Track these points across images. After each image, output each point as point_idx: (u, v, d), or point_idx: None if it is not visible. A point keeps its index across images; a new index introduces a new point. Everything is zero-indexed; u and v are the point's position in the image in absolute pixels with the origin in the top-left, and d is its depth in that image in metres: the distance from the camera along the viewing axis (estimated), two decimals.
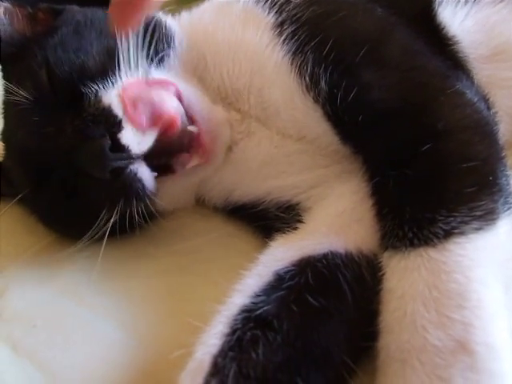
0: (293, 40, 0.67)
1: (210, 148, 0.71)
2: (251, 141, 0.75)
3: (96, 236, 0.68)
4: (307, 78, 0.65)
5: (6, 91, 0.70)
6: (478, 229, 0.51)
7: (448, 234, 0.51)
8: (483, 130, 0.59)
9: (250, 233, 0.75)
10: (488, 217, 0.52)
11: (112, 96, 0.66)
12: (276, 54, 0.68)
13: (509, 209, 0.54)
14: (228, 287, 0.59)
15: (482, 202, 0.52)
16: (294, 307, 0.54)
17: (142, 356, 0.59)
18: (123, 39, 0.66)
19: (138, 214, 0.68)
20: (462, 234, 0.51)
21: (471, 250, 0.50)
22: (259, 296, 0.56)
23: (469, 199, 0.52)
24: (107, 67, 0.68)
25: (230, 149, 0.76)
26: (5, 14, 0.76)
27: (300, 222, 0.68)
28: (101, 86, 0.67)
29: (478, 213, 0.52)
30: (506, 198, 0.54)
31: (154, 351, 0.59)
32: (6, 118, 0.78)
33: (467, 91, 0.62)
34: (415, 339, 0.47)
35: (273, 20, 0.69)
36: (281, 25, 0.68)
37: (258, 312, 0.53)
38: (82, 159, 0.65)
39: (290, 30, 0.68)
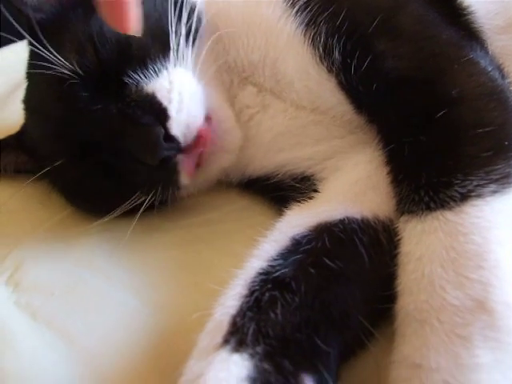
0: (305, 11, 0.67)
1: (214, 150, 0.71)
2: (266, 114, 0.75)
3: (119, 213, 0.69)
4: (321, 49, 0.65)
5: (41, 60, 0.67)
6: (495, 192, 0.51)
7: (465, 197, 0.51)
8: (498, 97, 0.58)
9: (266, 206, 0.75)
10: (504, 180, 0.52)
11: (157, 85, 0.66)
12: (289, 26, 0.68)
13: None
14: (244, 256, 0.60)
15: (499, 166, 0.52)
16: (311, 269, 0.54)
17: (159, 321, 0.59)
18: (164, 21, 0.67)
19: (168, 197, 0.70)
20: (478, 196, 0.51)
21: (488, 212, 0.50)
22: (276, 260, 0.56)
23: (485, 163, 0.52)
24: (150, 53, 0.68)
25: (245, 124, 0.76)
26: None
27: (315, 191, 0.68)
28: (144, 73, 0.66)
29: (495, 177, 0.52)
30: None
31: (171, 316, 0.59)
32: (37, 87, 0.76)
33: (481, 60, 0.62)
34: (434, 299, 0.47)
35: None
36: None
37: (276, 274, 0.54)
38: (134, 144, 0.65)
39: (302, 1, 0.67)
